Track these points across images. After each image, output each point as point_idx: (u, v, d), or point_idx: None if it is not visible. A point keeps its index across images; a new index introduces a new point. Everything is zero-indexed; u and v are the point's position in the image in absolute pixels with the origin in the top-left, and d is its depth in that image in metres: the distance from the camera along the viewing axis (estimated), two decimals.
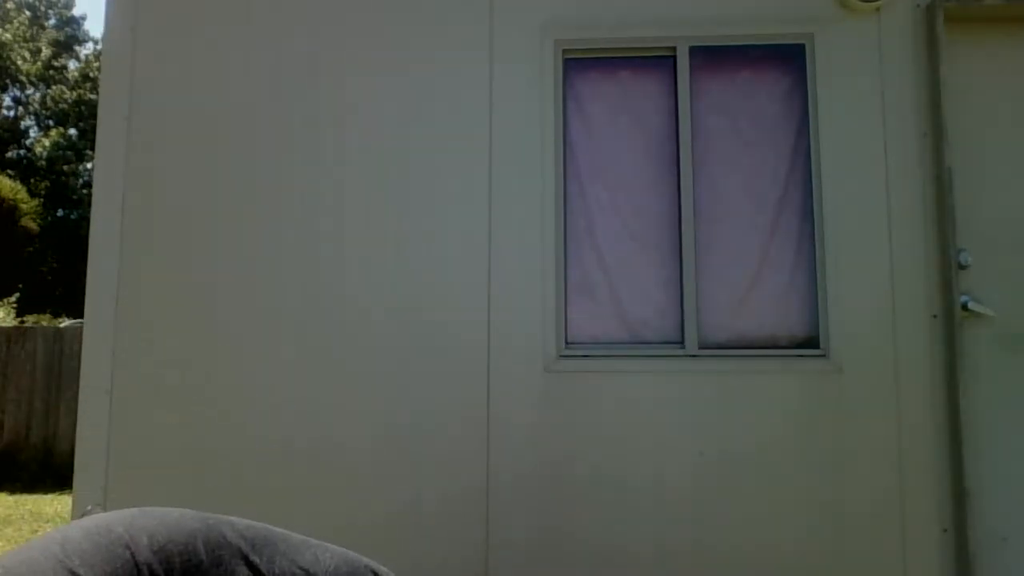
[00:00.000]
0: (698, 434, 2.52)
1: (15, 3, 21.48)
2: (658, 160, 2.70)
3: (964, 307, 2.51)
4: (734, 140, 2.68)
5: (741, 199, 2.66)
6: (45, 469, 6.57)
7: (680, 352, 2.58)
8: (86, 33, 22.91)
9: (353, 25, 2.76)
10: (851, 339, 2.52)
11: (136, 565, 0.52)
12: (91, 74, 21.03)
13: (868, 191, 2.58)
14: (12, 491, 6.04)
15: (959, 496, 2.41)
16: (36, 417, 6.85)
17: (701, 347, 2.57)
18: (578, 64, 2.73)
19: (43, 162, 19.73)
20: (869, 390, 2.50)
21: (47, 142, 20.21)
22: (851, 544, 2.44)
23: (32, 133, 21.23)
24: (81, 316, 2.88)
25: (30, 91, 21.46)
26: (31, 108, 21.47)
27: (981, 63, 2.67)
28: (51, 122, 21.09)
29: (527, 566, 2.48)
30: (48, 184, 19.31)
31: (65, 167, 19.66)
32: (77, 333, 6.83)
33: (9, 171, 17.74)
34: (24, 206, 14.64)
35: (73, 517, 2.56)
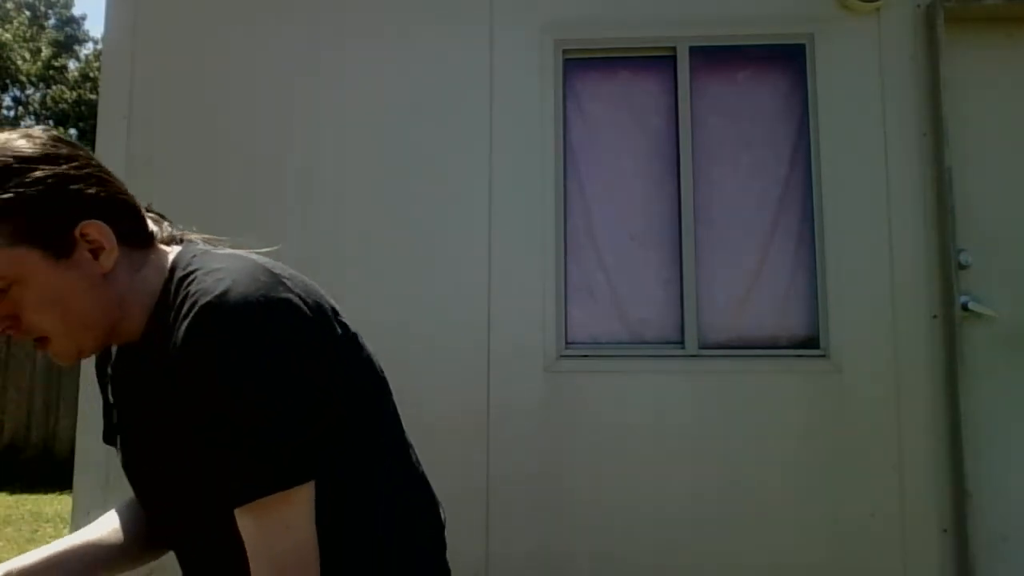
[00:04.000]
0: (698, 434, 2.52)
1: (15, 3, 21.47)
2: (658, 160, 2.70)
3: (964, 307, 2.50)
4: (734, 140, 2.68)
5: (741, 199, 2.66)
6: (45, 469, 6.56)
7: (680, 352, 2.58)
8: (86, 33, 22.87)
9: (353, 25, 2.75)
10: (851, 339, 2.52)
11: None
12: (91, 74, 21.00)
13: (868, 191, 2.58)
14: (12, 491, 6.01)
15: (959, 496, 2.41)
16: (36, 417, 6.84)
17: (701, 347, 2.57)
18: (578, 64, 2.73)
19: None
20: (869, 390, 2.50)
21: None
22: (851, 544, 2.44)
23: None
24: None
25: (30, 91, 21.46)
26: (31, 108, 21.46)
27: (981, 63, 2.67)
28: (51, 122, 21.08)
29: (527, 565, 2.48)
30: None
31: None
32: None
33: None
34: None
35: (73, 517, 2.56)
